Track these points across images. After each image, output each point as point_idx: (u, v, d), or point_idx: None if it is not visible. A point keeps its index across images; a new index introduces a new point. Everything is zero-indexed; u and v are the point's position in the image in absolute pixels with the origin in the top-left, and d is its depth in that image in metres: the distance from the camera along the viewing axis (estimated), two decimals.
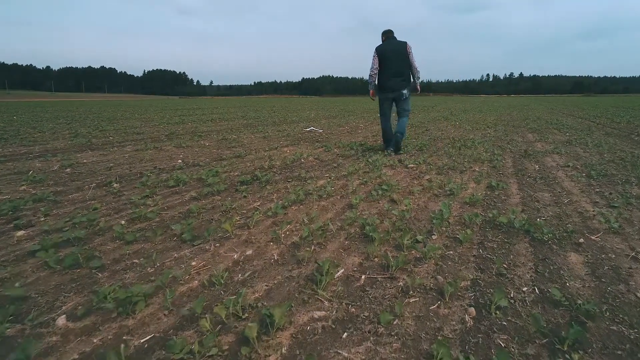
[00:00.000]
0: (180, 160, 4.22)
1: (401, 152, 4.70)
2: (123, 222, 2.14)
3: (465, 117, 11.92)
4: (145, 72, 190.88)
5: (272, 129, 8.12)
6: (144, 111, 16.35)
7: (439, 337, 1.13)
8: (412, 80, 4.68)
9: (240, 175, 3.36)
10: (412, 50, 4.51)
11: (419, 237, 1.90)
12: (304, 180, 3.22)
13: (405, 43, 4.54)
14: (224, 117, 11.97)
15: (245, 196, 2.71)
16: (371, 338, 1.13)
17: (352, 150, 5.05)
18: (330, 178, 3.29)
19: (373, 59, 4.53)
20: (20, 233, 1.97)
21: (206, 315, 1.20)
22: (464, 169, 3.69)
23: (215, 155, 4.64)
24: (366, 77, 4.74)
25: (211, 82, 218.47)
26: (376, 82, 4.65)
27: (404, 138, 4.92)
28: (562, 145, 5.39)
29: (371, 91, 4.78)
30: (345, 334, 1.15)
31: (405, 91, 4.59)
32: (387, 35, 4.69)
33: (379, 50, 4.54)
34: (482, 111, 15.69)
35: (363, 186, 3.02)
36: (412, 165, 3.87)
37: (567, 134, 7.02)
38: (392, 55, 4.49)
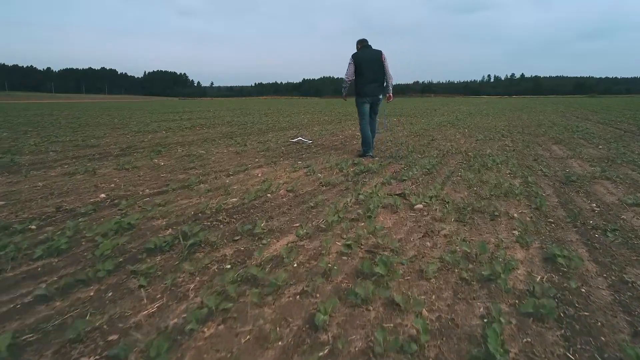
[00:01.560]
0: (103, 195, 3.09)
1: (372, 154, 4.91)
2: None
3: (473, 121, 10.78)
4: (146, 73, 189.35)
5: (254, 139, 6.99)
6: (128, 115, 15.23)
7: None
8: (385, 85, 4.88)
9: (160, 231, 2.23)
10: (386, 59, 4.76)
11: None
12: (258, 240, 2.09)
13: (380, 52, 4.77)
14: (208, 123, 10.85)
15: (140, 287, 1.59)
16: None
17: (341, 173, 3.93)
18: (298, 235, 2.17)
19: (349, 66, 4.71)
20: None
21: None
22: (496, 213, 2.57)
23: (160, 183, 3.53)
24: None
25: (212, 84, 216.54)
26: (348, 87, 4.89)
27: (377, 133, 5.33)
28: (606, 165, 4.26)
29: (344, 95, 5.04)
30: None
31: (380, 96, 4.89)
32: (363, 43, 4.87)
33: (356, 58, 4.70)
34: (489, 114, 14.55)
35: (345, 258, 1.88)
36: (420, 205, 2.74)
37: (600, 146, 5.89)
38: (369, 63, 4.70)
